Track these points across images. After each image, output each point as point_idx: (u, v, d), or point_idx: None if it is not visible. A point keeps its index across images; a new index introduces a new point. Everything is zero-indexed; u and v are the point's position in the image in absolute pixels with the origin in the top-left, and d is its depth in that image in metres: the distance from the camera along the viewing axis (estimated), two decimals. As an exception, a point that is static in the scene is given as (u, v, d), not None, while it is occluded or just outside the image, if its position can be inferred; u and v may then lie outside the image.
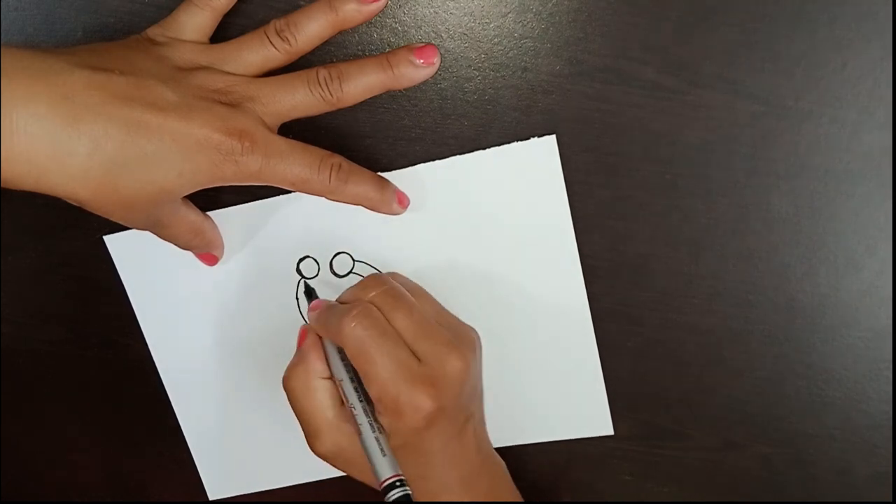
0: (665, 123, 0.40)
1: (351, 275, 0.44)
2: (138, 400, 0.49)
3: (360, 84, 0.37)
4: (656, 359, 0.44)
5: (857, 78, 0.38)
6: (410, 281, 0.43)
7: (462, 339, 0.40)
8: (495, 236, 0.42)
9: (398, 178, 0.41)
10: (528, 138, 0.41)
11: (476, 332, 0.43)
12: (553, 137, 0.40)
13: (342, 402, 0.40)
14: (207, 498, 0.51)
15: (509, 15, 0.39)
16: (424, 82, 0.39)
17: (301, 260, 0.44)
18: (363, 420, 0.39)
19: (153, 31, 0.38)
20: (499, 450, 0.44)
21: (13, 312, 0.49)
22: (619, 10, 0.38)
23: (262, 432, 0.48)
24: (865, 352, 0.43)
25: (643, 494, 0.48)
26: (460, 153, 0.41)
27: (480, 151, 0.41)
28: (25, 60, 0.32)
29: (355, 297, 0.40)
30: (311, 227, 0.43)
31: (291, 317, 0.45)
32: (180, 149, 0.34)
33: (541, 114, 0.40)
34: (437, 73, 0.39)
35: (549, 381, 0.45)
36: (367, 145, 0.42)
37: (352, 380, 0.39)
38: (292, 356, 0.41)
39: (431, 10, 0.40)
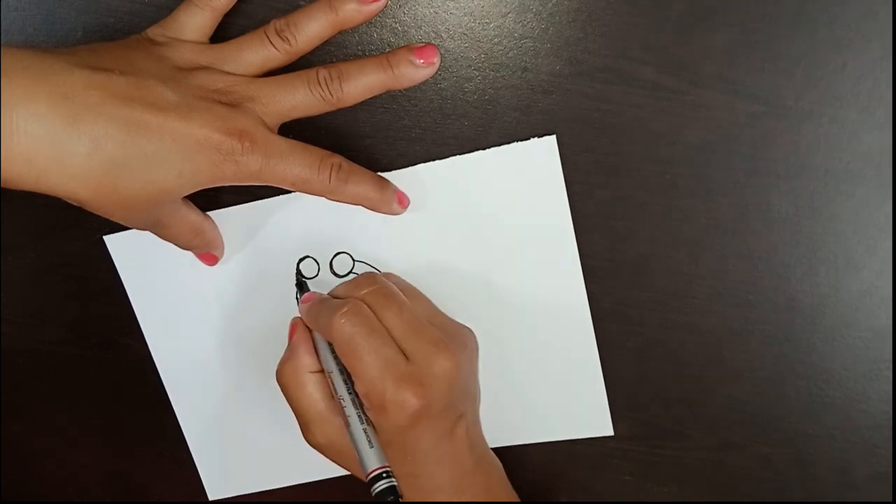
0: (665, 123, 0.40)
1: (350, 275, 0.44)
2: (138, 400, 0.49)
3: (360, 84, 0.37)
4: (656, 359, 0.44)
5: (857, 78, 0.38)
6: (405, 281, 0.43)
7: (453, 339, 0.40)
8: (495, 236, 0.42)
9: (398, 178, 0.41)
10: (528, 138, 0.41)
11: (472, 333, 0.43)
12: (553, 137, 0.40)
13: (333, 394, 0.40)
14: (207, 498, 0.51)
15: (509, 15, 0.39)
16: (424, 82, 0.39)
17: (301, 260, 0.44)
18: (351, 412, 0.39)
19: (153, 31, 0.38)
20: (498, 450, 0.44)
21: (13, 312, 0.49)
22: (619, 10, 0.38)
23: (262, 432, 0.48)
24: (865, 352, 0.43)
25: (643, 494, 0.48)
26: (460, 153, 0.41)
27: (480, 151, 0.41)
28: (25, 60, 0.32)
29: (347, 293, 0.40)
30: (311, 227, 0.43)
31: (291, 317, 0.45)
32: (180, 149, 0.34)
33: (541, 114, 0.40)
34: (437, 73, 0.39)
35: (549, 381, 0.45)
36: (367, 145, 0.42)
37: (341, 372, 0.40)
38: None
39: (431, 10, 0.40)
